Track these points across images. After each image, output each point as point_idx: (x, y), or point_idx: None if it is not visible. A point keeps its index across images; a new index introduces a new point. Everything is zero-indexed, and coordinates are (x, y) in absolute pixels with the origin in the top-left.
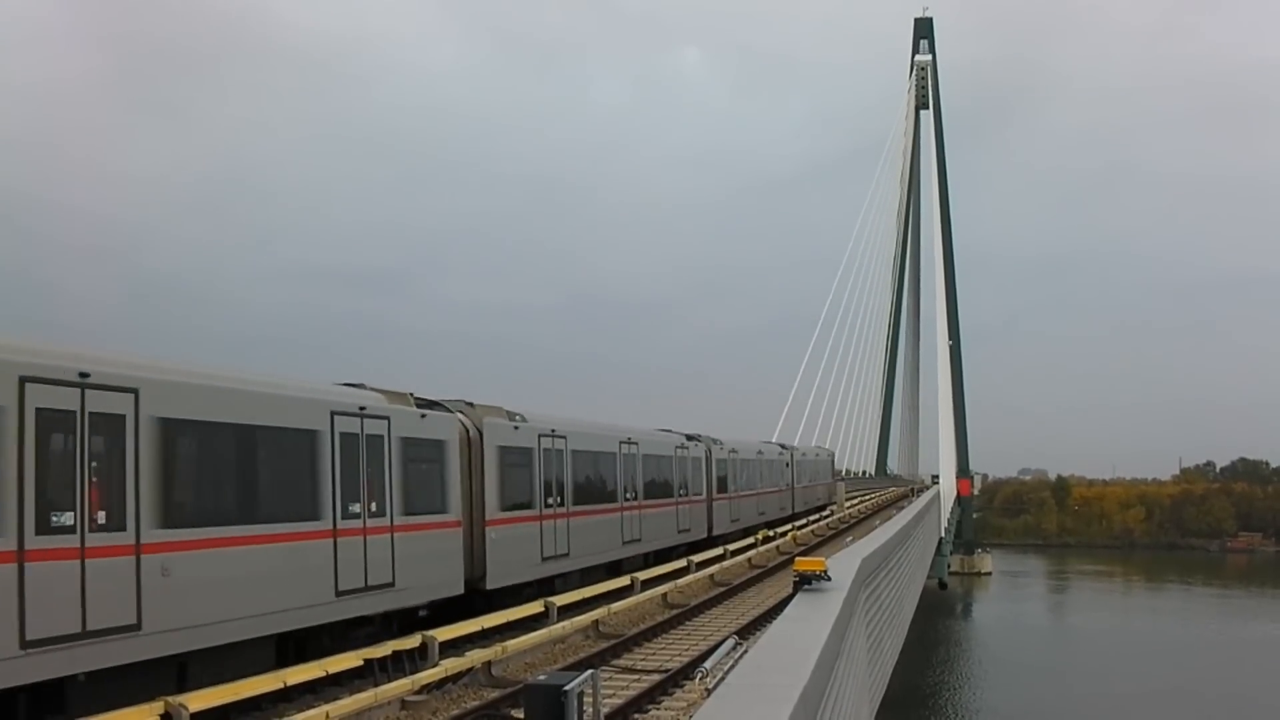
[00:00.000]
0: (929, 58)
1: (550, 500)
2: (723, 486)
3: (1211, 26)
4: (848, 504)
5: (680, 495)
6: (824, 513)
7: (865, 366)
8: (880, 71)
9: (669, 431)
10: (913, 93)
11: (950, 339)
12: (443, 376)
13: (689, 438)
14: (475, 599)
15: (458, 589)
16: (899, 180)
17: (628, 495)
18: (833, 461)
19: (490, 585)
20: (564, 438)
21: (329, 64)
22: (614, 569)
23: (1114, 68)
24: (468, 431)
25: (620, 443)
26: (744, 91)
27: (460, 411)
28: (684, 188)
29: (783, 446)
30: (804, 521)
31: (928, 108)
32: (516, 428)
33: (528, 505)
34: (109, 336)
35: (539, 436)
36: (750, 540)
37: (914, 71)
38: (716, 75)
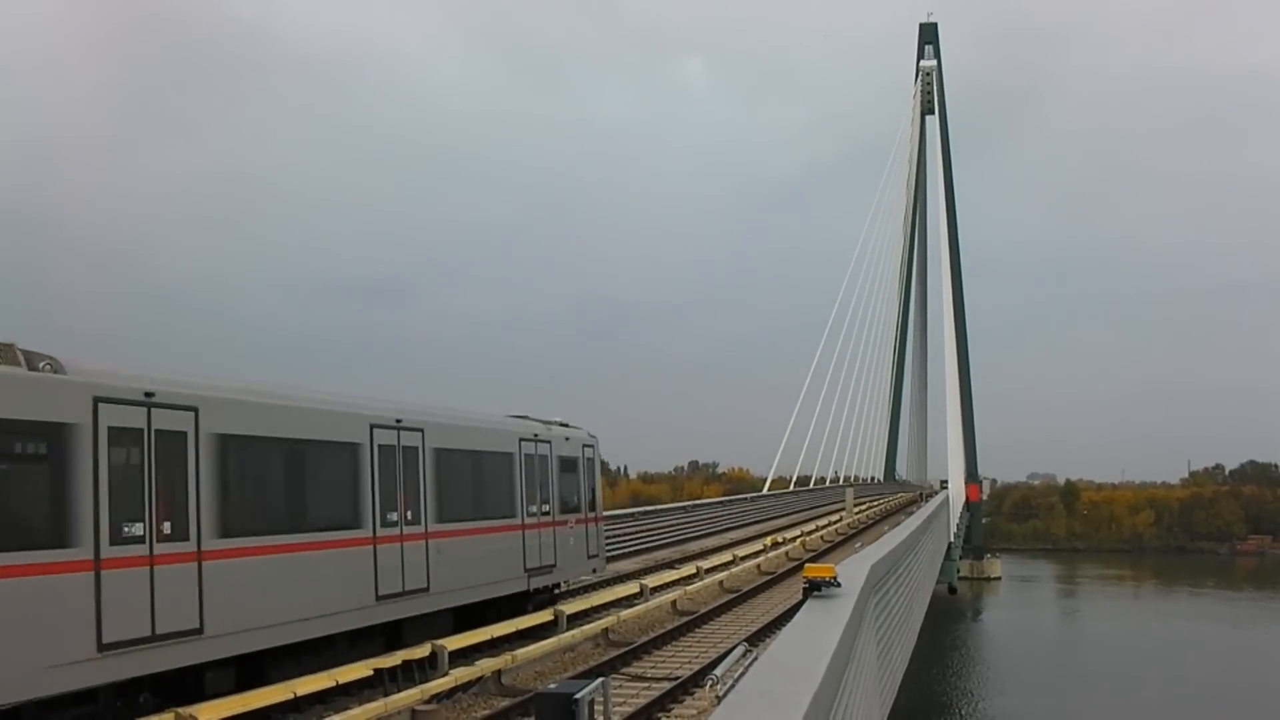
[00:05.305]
0: (934, 63)
1: None
2: None
3: (1219, 31)
4: (856, 510)
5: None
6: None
7: (873, 371)
8: (884, 77)
9: None
10: (918, 98)
11: (958, 343)
12: (449, 384)
13: None
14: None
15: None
16: (905, 185)
17: None
18: (586, 464)
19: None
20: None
21: (334, 76)
22: None
23: (1119, 70)
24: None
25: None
26: (747, 98)
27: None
28: (689, 193)
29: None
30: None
31: (933, 113)
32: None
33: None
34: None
35: None
36: (760, 546)
37: (919, 77)
38: (720, 83)
